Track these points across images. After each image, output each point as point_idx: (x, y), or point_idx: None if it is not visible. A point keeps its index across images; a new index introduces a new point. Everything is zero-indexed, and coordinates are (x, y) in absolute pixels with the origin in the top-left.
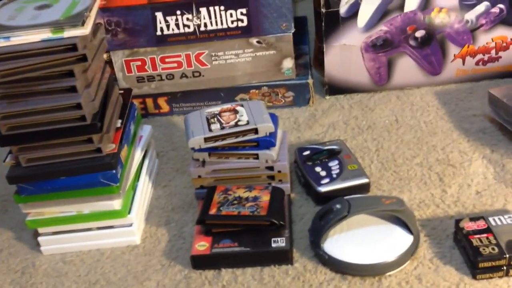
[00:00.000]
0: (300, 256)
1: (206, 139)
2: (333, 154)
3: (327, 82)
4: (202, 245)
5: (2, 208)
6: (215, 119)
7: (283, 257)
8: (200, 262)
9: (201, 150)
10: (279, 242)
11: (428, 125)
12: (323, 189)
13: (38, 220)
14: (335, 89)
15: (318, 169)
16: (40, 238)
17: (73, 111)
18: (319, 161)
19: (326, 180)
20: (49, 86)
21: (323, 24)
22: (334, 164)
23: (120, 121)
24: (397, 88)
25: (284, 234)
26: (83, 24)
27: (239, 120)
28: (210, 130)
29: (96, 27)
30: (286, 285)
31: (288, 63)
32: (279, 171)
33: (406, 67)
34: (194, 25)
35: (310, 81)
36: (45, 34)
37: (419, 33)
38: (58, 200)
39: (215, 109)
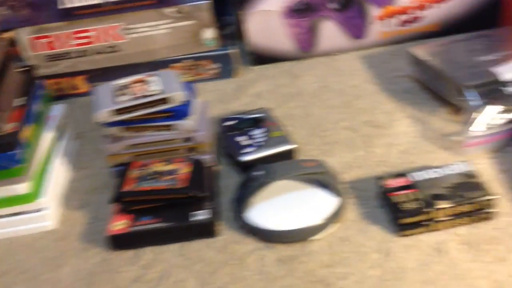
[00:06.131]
0: (227, 229)
1: (114, 112)
2: (257, 123)
3: (251, 51)
4: (120, 224)
5: None
6: (124, 90)
7: (206, 230)
8: (118, 242)
9: (111, 124)
10: (200, 215)
11: (355, 89)
12: (245, 158)
13: None
14: (261, 58)
15: (241, 138)
16: None
17: None
18: (243, 130)
19: (250, 149)
20: None
21: None
22: (258, 133)
23: (20, 99)
24: (323, 55)
25: (206, 206)
26: None
27: (150, 91)
28: (117, 102)
29: None
30: (210, 258)
31: (209, 33)
32: (199, 142)
33: (330, 33)
34: None
35: (232, 51)
36: None
37: None
38: None
39: (125, 81)
